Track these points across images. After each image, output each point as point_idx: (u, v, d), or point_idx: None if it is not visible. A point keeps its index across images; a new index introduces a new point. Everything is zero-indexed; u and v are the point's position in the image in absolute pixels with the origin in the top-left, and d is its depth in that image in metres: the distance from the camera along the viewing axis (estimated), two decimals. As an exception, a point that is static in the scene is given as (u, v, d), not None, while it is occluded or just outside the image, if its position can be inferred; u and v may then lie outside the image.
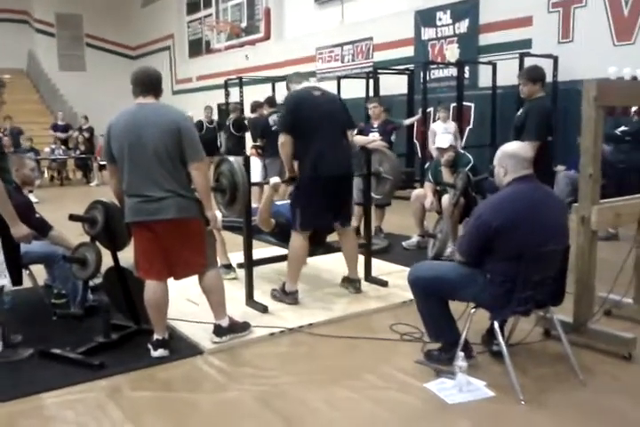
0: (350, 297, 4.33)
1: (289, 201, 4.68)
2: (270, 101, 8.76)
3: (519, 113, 4.81)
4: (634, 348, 3.19)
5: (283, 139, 4.05)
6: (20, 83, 20.34)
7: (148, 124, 3.13)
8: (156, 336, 3.36)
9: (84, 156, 12.88)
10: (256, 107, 9.34)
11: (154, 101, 3.25)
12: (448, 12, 10.81)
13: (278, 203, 4.58)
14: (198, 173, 3.18)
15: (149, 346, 3.34)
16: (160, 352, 3.33)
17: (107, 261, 3.61)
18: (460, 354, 2.90)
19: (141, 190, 3.15)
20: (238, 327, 3.57)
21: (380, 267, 4.99)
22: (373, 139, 6.30)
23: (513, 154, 2.95)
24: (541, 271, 2.85)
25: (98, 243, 3.59)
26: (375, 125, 6.51)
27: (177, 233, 3.21)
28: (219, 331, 3.48)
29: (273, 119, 8.20)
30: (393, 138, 6.75)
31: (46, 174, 13.05)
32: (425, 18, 11.22)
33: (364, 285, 4.56)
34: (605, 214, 3.29)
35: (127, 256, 3.61)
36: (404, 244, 5.97)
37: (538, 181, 3.01)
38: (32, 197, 9.63)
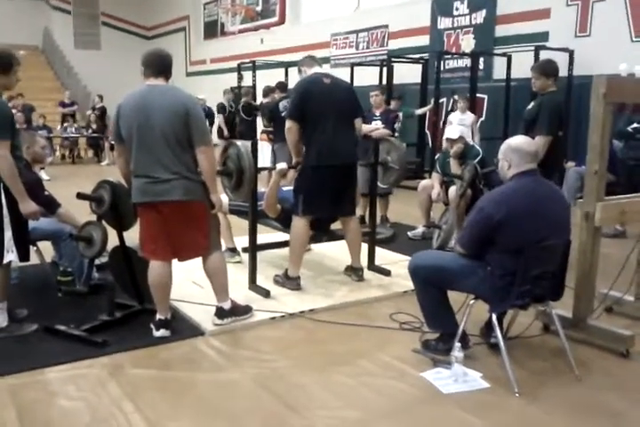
0: (352, 285, 4.37)
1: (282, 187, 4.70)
2: (282, 86, 8.75)
3: (530, 106, 4.79)
4: (631, 345, 3.21)
5: (289, 124, 4.08)
6: (35, 59, 20.36)
7: (156, 106, 3.15)
8: (158, 316, 3.41)
9: (95, 135, 12.93)
10: (269, 91, 9.34)
11: (164, 83, 3.26)
12: (465, 1, 10.73)
13: (285, 189, 4.59)
14: (204, 157, 3.20)
15: (152, 326, 3.39)
16: (162, 332, 3.38)
17: (113, 240, 3.66)
18: (457, 345, 2.93)
19: (149, 171, 3.18)
20: (240, 310, 3.61)
21: (384, 256, 5.02)
22: (376, 127, 6.29)
23: (517, 148, 2.96)
24: (541, 266, 2.86)
25: (104, 222, 3.63)
26: (377, 114, 6.49)
27: (182, 215, 3.25)
28: (221, 313, 3.52)
29: (283, 105, 8.19)
30: (396, 126, 6.73)
31: (58, 152, 13.11)
32: (442, 7, 11.13)
33: (367, 273, 4.59)
34: (610, 211, 3.29)
35: (133, 236, 3.65)
36: (409, 234, 5.99)
37: (541, 176, 3.01)
38: (43, 175, 9.76)
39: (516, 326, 3.40)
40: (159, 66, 3.26)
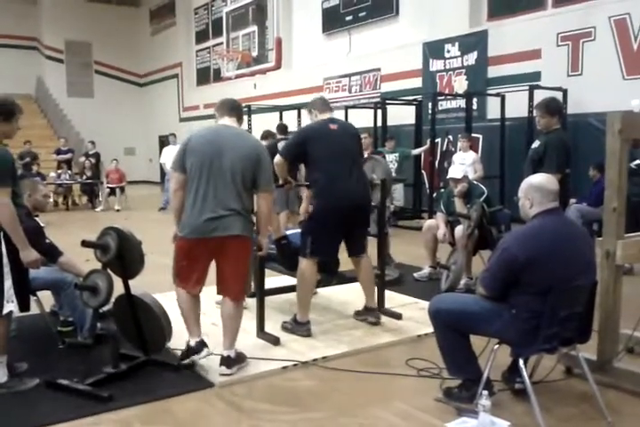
0: (364, 330, 4.22)
1: (299, 230, 4.63)
2: (281, 128, 8.77)
3: (535, 145, 4.78)
4: (662, 388, 3.08)
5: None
6: (28, 108, 20.44)
7: (230, 146, 3.29)
8: (194, 340, 3.42)
9: (90, 181, 12.86)
10: (267, 135, 9.36)
11: (237, 125, 3.44)
12: (456, 44, 10.90)
13: (289, 232, 4.51)
14: (265, 201, 3.38)
15: (187, 352, 3.40)
16: (206, 351, 3.40)
17: (117, 288, 3.53)
18: (485, 392, 2.78)
19: (210, 207, 3.27)
20: (242, 358, 3.51)
21: (392, 298, 4.89)
22: None
23: (540, 186, 2.89)
24: (569, 307, 2.75)
25: (109, 270, 3.50)
26: (365, 156, 6.47)
27: (235, 249, 3.33)
28: (228, 362, 3.39)
29: (281, 145, 8.19)
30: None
31: (52, 199, 13.00)
32: (433, 50, 11.32)
33: (378, 317, 4.46)
34: (631, 248, 3.21)
35: (137, 284, 3.56)
36: (415, 275, 5.87)
37: (564, 215, 2.94)
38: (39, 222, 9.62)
39: (539, 369, 3.27)
40: (235, 108, 3.47)
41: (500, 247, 2.86)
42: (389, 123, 11.28)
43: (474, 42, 10.60)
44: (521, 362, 2.82)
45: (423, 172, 11.09)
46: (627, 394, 3.15)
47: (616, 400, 3.09)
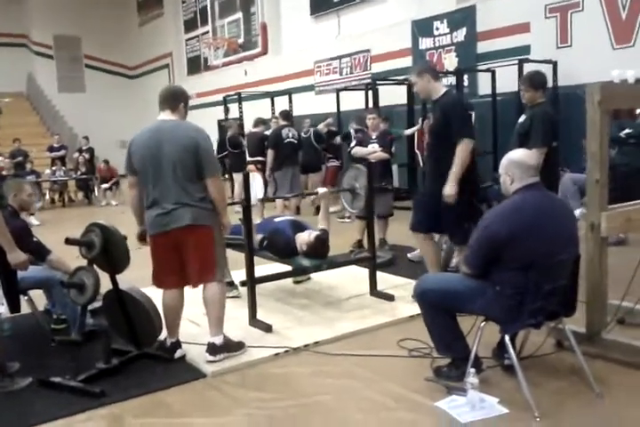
0: (356, 313, 4.22)
1: (287, 217, 4.64)
2: (284, 115, 8.72)
3: (521, 120, 4.73)
4: (651, 357, 3.08)
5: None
6: (20, 106, 20.43)
7: (167, 141, 3.29)
8: (170, 340, 3.52)
9: (84, 176, 12.84)
10: (259, 123, 9.35)
11: (175, 118, 3.41)
12: (445, 21, 10.77)
13: (277, 219, 4.52)
14: (214, 187, 3.36)
15: (165, 354, 3.48)
16: (179, 352, 3.50)
17: (106, 283, 3.53)
18: (472, 370, 2.80)
19: (159, 203, 3.33)
20: (233, 346, 3.51)
21: (385, 280, 4.89)
22: (373, 150, 6.24)
23: (519, 162, 2.87)
24: (552, 281, 2.74)
25: (96, 266, 3.50)
26: (374, 136, 6.41)
27: (191, 239, 3.34)
28: (213, 349, 3.42)
29: (285, 132, 8.17)
30: (393, 149, 6.67)
31: (47, 196, 13.00)
32: (422, 28, 11.19)
33: (370, 299, 4.48)
34: (615, 220, 3.20)
35: (127, 279, 3.57)
36: (409, 255, 5.86)
37: (545, 189, 2.92)
38: (33, 220, 9.64)
39: (529, 344, 3.27)
40: (164, 100, 3.42)
41: (481, 225, 2.85)
42: (381, 104, 11.18)
43: (462, 18, 10.47)
44: (507, 338, 2.83)
45: (417, 152, 11.02)
46: (616, 364, 3.16)
47: (605, 371, 3.10)
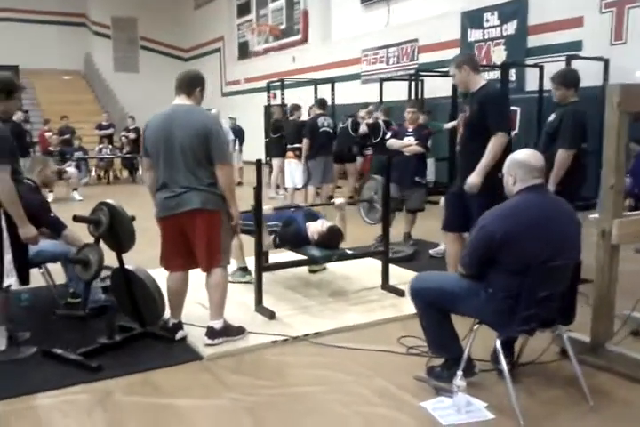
0: (363, 306, 4.20)
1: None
2: (321, 103, 8.67)
3: (551, 119, 4.60)
4: (654, 372, 2.96)
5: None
6: (77, 84, 20.99)
7: (179, 125, 3.32)
8: (172, 321, 3.58)
9: (129, 155, 13.11)
10: (293, 110, 9.31)
11: (189, 104, 3.43)
12: (496, 13, 10.50)
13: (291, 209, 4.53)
14: (222, 173, 3.36)
15: (167, 334, 3.54)
16: (181, 334, 3.55)
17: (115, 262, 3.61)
18: (459, 373, 2.75)
19: (168, 186, 3.37)
20: (232, 331, 3.54)
21: (401, 275, 4.83)
22: (409, 143, 6.16)
23: (523, 162, 2.78)
24: (548, 287, 2.66)
25: (105, 244, 3.59)
26: (410, 129, 6.32)
27: (199, 223, 3.36)
28: (212, 333, 3.46)
29: (320, 121, 8.14)
30: (429, 143, 6.56)
31: (94, 173, 13.34)
32: (472, 19, 10.94)
33: (380, 293, 4.44)
34: (628, 228, 3.07)
35: (134, 257, 3.64)
36: (431, 251, 5.79)
37: (548, 191, 2.83)
38: (76, 195, 9.93)
39: (532, 350, 3.18)
40: (180, 85, 3.44)
41: (478, 225, 2.78)
42: (426, 95, 11.02)
43: (514, 10, 10.19)
44: (497, 343, 2.77)
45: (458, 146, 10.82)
46: (617, 377, 3.05)
47: (607, 384, 3.00)
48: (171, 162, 3.34)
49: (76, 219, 3.38)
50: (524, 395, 2.86)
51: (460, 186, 4.16)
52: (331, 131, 8.29)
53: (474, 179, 3.90)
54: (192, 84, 3.47)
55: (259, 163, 3.94)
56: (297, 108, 9.22)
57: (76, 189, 10.18)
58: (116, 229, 3.42)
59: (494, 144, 3.89)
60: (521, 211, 2.70)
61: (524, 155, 2.81)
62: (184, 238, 3.44)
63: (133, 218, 3.53)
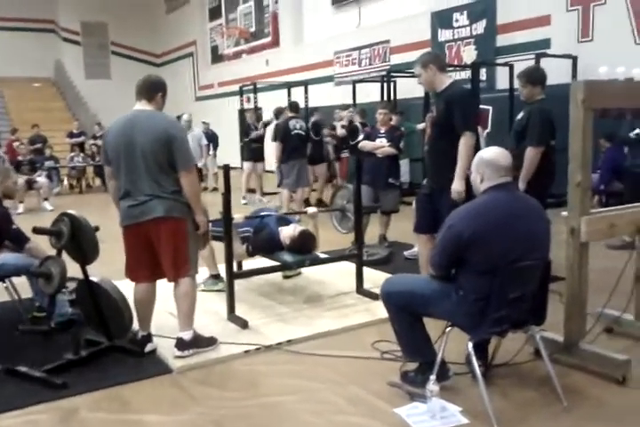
0: (337, 311, 4.14)
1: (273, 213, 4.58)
2: (293, 106, 8.61)
3: (519, 117, 4.60)
4: (628, 371, 2.94)
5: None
6: (48, 91, 20.72)
7: (139, 131, 3.23)
8: (141, 333, 3.48)
9: (101, 163, 12.91)
10: (277, 113, 9.28)
11: (150, 109, 3.34)
12: (465, 12, 10.56)
13: (262, 213, 4.46)
14: (187, 181, 3.28)
15: (135, 347, 3.44)
16: (150, 346, 3.46)
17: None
18: (432, 378, 2.70)
19: (130, 195, 3.28)
20: (203, 341, 3.46)
21: (376, 278, 4.74)
22: (381, 144, 6.14)
23: (490, 161, 2.75)
24: (518, 288, 2.63)
25: (69, 256, 3.49)
26: (382, 131, 6.30)
27: (164, 231, 3.27)
28: (181, 344, 3.38)
29: (292, 123, 8.08)
30: (401, 145, 6.54)
31: (66, 182, 13.13)
32: (441, 19, 10.98)
33: (354, 297, 4.40)
34: (597, 225, 3.05)
35: (108, 268, 3.58)
36: (405, 253, 5.76)
37: (517, 190, 2.80)
38: (47, 205, 9.75)
39: (506, 351, 3.15)
40: (140, 90, 3.36)
41: (446, 224, 2.73)
42: (399, 96, 11.02)
43: (482, 9, 10.26)
44: (470, 346, 2.72)
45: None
46: (591, 376, 3.03)
47: (579, 383, 2.98)
48: (132, 169, 3.25)
49: (36, 231, 3.28)
50: (499, 397, 2.83)
51: (429, 186, 4.13)
52: (303, 133, 8.23)
53: (457, 185, 3.85)
54: (153, 90, 3.39)
55: (226, 168, 3.87)
56: (281, 111, 9.15)
57: (47, 199, 10.00)
58: (79, 241, 3.32)
59: (465, 145, 3.86)
60: (488, 210, 2.66)
61: (492, 153, 2.78)
62: (149, 248, 3.35)
63: (97, 228, 3.44)
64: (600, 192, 7.43)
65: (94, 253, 3.38)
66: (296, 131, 8.09)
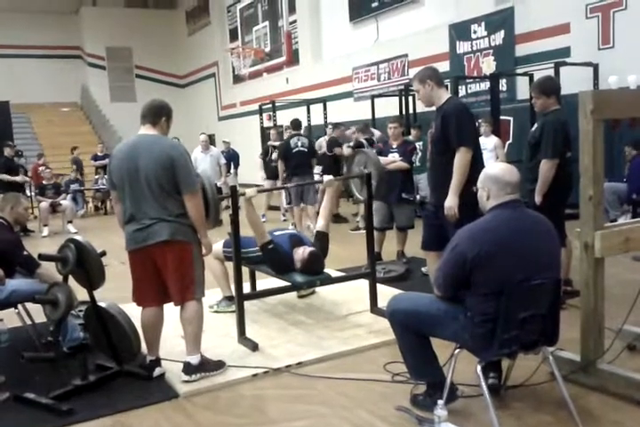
0: (349, 332, 4.05)
1: (287, 231, 4.51)
2: (295, 124, 8.61)
3: (533, 129, 4.49)
4: (649, 392, 2.80)
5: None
6: (75, 115, 21.17)
7: (143, 156, 3.24)
8: (149, 358, 3.46)
9: (107, 188, 13.09)
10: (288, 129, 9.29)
11: (154, 133, 3.35)
12: (482, 24, 10.46)
13: (276, 233, 4.38)
14: (191, 204, 3.27)
15: (144, 372, 3.41)
16: (158, 371, 3.42)
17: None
18: (440, 402, 2.60)
19: (135, 219, 3.27)
20: (210, 366, 3.41)
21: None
22: (393, 159, 6.07)
23: (496, 178, 2.66)
24: (527, 308, 2.52)
25: (76, 281, 3.48)
26: (394, 146, 6.23)
27: (170, 255, 3.26)
28: (188, 369, 3.33)
29: (294, 141, 8.08)
30: (414, 158, 6.45)
31: (91, 204, 13.31)
32: (459, 31, 10.91)
33: (368, 317, 4.30)
34: (611, 240, 2.93)
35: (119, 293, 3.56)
36: (423, 269, 5.64)
37: (524, 207, 2.70)
38: (71, 228, 9.85)
39: (522, 371, 3.02)
40: (144, 114, 3.38)
41: (450, 245, 2.65)
42: (418, 110, 10.95)
43: (500, 20, 10.15)
44: (478, 368, 2.61)
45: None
46: (611, 398, 2.89)
47: (599, 406, 2.85)
48: (137, 193, 3.26)
49: (42, 257, 3.29)
50: (512, 421, 2.72)
51: (433, 203, 4.06)
52: (306, 150, 8.18)
53: (450, 201, 3.81)
54: (157, 114, 3.39)
55: (233, 189, 3.85)
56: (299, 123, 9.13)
57: (70, 222, 10.12)
58: (85, 266, 3.32)
59: (460, 161, 3.82)
60: (493, 229, 2.57)
61: (498, 169, 2.69)
62: (155, 272, 3.33)
63: (103, 253, 3.44)
64: (629, 202, 7.21)
65: (100, 278, 3.38)
66: (297, 148, 8.07)
